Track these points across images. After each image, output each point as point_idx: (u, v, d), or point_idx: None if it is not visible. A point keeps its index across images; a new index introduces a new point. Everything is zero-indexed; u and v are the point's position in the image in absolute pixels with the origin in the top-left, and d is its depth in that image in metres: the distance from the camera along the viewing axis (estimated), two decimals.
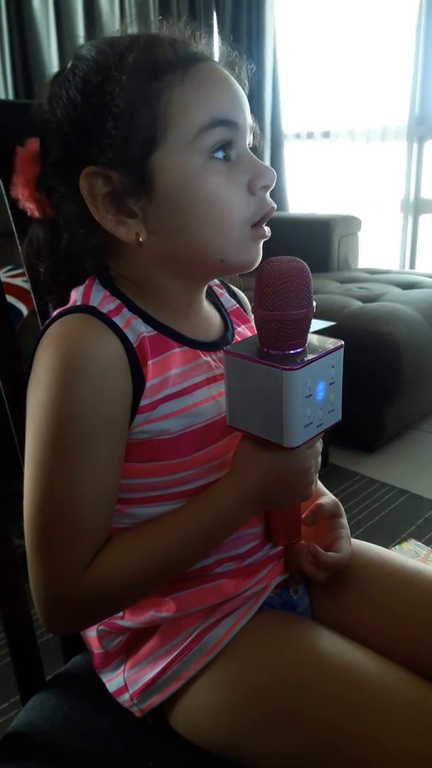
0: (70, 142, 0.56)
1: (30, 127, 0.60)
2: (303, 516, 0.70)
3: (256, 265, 0.60)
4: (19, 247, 0.71)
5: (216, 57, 0.60)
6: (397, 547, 1.65)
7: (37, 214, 0.61)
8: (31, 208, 0.60)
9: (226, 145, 0.57)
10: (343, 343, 0.58)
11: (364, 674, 0.59)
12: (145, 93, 0.54)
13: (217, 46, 0.61)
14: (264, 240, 0.61)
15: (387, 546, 1.64)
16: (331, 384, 0.57)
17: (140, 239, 0.57)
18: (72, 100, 0.55)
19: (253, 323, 0.73)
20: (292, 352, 0.55)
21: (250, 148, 0.60)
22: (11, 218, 0.71)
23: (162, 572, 0.59)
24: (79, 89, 0.55)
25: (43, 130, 0.58)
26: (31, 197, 0.60)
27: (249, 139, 0.60)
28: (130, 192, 0.56)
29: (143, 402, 0.57)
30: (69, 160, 0.56)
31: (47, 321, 0.58)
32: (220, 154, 0.56)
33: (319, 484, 0.76)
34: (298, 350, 0.56)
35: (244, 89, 0.60)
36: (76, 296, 0.59)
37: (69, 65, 0.58)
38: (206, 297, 0.69)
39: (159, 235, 0.57)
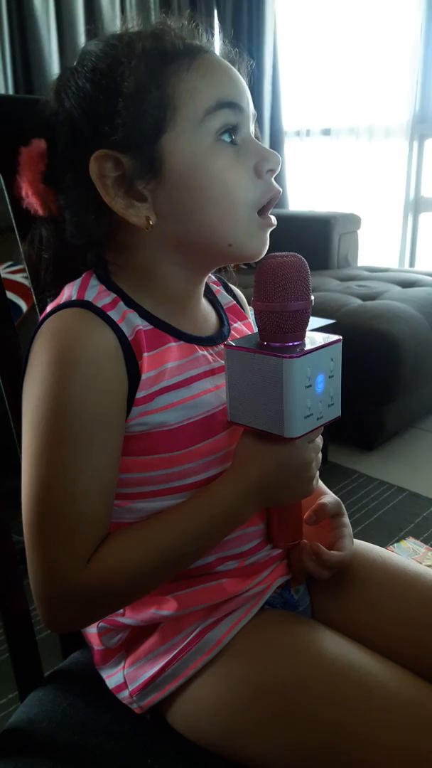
0: (79, 127, 0.57)
1: (33, 123, 0.60)
2: (305, 516, 0.70)
3: (263, 254, 0.61)
4: (20, 244, 0.70)
5: (221, 53, 0.61)
6: (395, 545, 1.66)
7: (40, 211, 0.61)
8: (35, 204, 0.60)
9: (232, 129, 0.58)
10: (340, 337, 0.59)
11: (364, 675, 0.59)
12: (153, 77, 0.55)
13: (217, 45, 0.62)
14: (271, 229, 0.61)
15: (385, 544, 1.65)
16: (330, 377, 0.58)
17: (150, 222, 0.57)
18: (81, 88, 0.57)
19: (249, 319, 0.73)
20: (291, 344, 0.57)
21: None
22: (11, 214, 0.71)
23: (163, 568, 0.59)
24: (88, 78, 0.56)
25: (51, 122, 0.59)
26: (36, 194, 0.60)
27: (253, 129, 0.61)
28: (140, 175, 0.56)
29: (139, 394, 0.57)
30: (78, 146, 0.56)
31: (42, 316, 0.58)
32: (226, 137, 0.58)
33: (321, 483, 0.76)
34: (297, 343, 0.57)
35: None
36: (70, 291, 0.59)
37: (76, 60, 0.59)
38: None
39: (168, 218, 0.58)
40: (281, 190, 0.61)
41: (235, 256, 0.62)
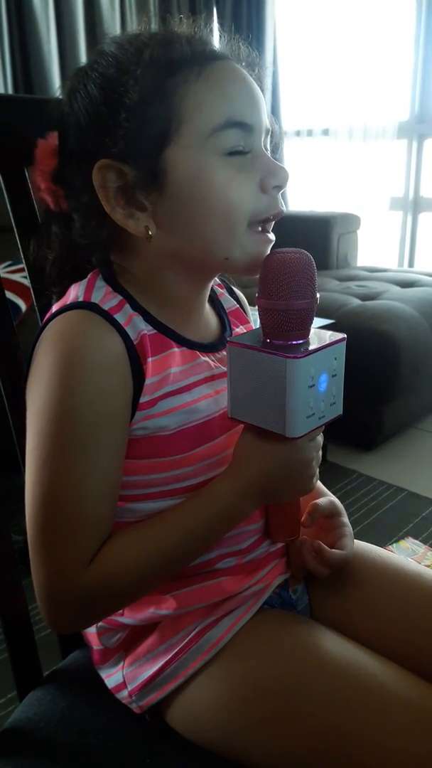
0: (85, 134, 0.56)
1: (35, 123, 0.60)
2: (302, 519, 0.70)
3: (259, 271, 0.59)
4: (19, 243, 0.70)
5: (237, 56, 0.59)
6: (394, 545, 1.66)
7: (51, 206, 0.61)
8: (46, 199, 0.61)
9: (240, 151, 0.56)
10: (345, 336, 0.58)
11: (363, 674, 0.59)
12: (158, 87, 0.54)
13: (238, 46, 0.60)
14: (270, 245, 0.60)
15: (384, 544, 1.65)
16: (333, 376, 0.58)
17: (149, 233, 0.56)
18: (89, 94, 0.56)
19: (251, 323, 0.73)
20: (294, 342, 0.56)
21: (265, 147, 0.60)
22: (11, 214, 0.71)
23: (165, 566, 0.59)
24: (97, 83, 0.55)
25: (62, 123, 0.58)
26: (47, 190, 0.60)
27: (265, 141, 0.59)
28: (142, 186, 0.55)
29: (142, 399, 0.57)
30: (84, 152, 0.56)
31: (47, 317, 0.58)
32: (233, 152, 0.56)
33: (320, 484, 0.76)
34: (301, 341, 0.56)
35: (262, 90, 0.60)
36: (77, 292, 0.59)
37: (90, 60, 0.58)
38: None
39: (167, 229, 0.57)
40: (284, 210, 0.60)
41: (232, 269, 0.61)
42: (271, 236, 0.60)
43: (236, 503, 0.59)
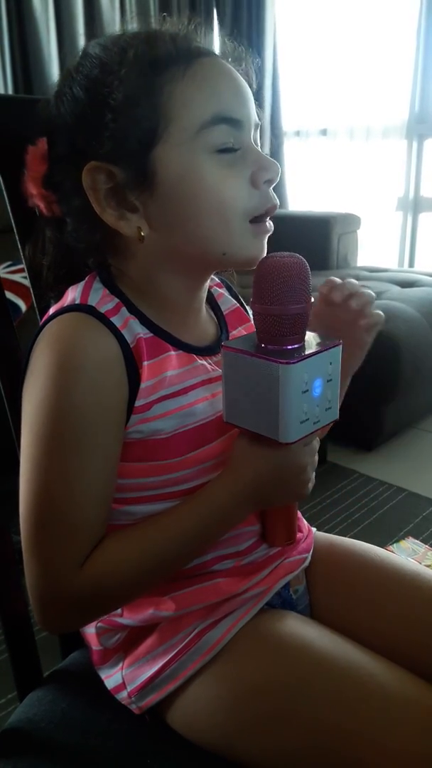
0: (73, 137, 0.56)
1: (32, 124, 0.60)
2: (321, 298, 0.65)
3: (259, 260, 0.59)
4: (19, 244, 0.70)
5: (223, 53, 0.59)
6: (395, 545, 1.66)
7: (44, 212, 0.61)
8: (39, 205, 0.60)
9: (229, 147, 0.56)
10: (341, 341, 0.58)
11: (363, 674, 0.59)
12: (144, 87, 0.54)
13: (224, 42, 0.60)
14: (268, 235, 0.60)
15: (385, 544, 1.65)
16: (328, 381, 0.57)
17: (142, 233, 0.56)
18: (75, 96, 0.56)
19: (252, 321, 0.73)
20: (289, 347, 0.55)
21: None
22: (11, 214, 0.71)
23: (158, 569, 0.59)
24: (82, 85, 0.55)
25: (50, 126, 0.58)
26: (39, 195, 0.60)
27: (255, 135, 0.59)
28: (132, 186, 0.55)
29: (138, 402, 0.57)
30: (73, 155, 0.56)
31: (44, 319, 0.58)
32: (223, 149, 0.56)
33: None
34: (296, 346, 0.56)
35: (251, 85, 0.59)
36: (74, 294, 0.59)
37: (75, 62, 0.58)
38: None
39: (161, 229, 0.57)
40: (278, 203, 0.59)
41: (231, 263, 0.61)
42: (269, 225, 0.60)
43: (230, 507, 0.59)
